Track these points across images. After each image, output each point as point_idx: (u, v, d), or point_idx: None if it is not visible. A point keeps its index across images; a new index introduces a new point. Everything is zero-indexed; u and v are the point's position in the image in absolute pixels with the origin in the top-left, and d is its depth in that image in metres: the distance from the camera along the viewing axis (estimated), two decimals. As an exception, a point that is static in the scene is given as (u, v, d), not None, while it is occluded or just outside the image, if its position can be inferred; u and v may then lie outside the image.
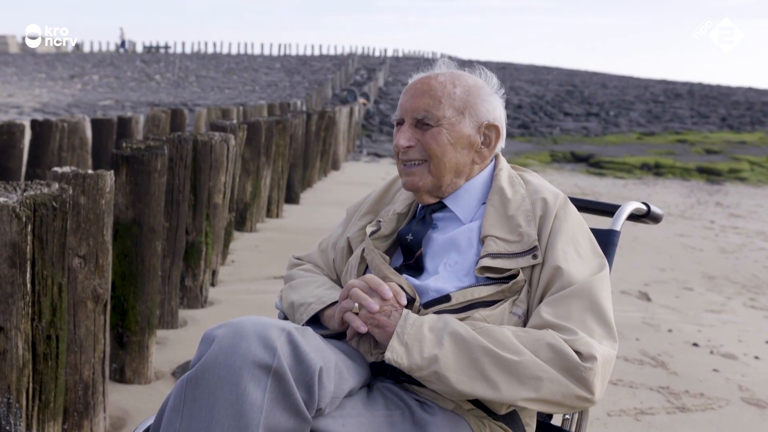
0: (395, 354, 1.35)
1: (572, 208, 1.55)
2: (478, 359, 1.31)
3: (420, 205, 1.64)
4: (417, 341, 1.35)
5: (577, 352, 1.33)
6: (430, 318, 1.39)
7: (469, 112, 1.56)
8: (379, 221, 1.65)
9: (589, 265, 1.46)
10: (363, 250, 1.61)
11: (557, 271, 1.44)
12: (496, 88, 1.63)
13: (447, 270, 1.52)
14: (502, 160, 1.65)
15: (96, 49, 60.71)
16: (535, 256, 1.47)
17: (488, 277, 1.48)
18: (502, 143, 1.62)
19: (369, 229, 1.64)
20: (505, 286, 1.45)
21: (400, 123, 1.59)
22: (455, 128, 1.55)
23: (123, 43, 57.81)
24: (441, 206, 1.61)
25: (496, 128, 1.59)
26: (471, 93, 1.57)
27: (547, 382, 1.31)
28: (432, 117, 1.54)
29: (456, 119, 1.55)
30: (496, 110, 1.60)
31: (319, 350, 1.24)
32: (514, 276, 1.46)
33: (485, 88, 1.60)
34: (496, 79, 1.64)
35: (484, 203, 1.60)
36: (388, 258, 1.58)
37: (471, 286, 1.47)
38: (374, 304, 1.41)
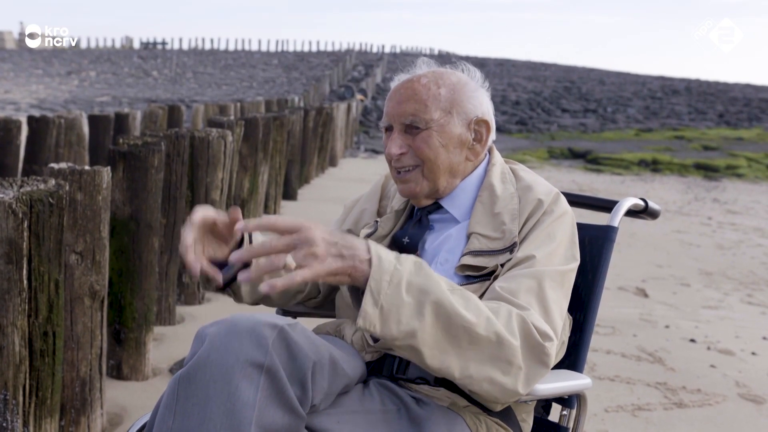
0: (367, 320, 1.19)
1: (563, 206, 1.53)
2: (456, 336, 1.25)
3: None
4: (395, 306, 1.20)
5: (533, 325, 1.31)
6: (406, 270, 1.23)
7: (456, 111, 1.54)
8: (377, 221, 1.64)
9: (554, 260, 1.45)
10: None
11: (523, 257, 1.44)
12: (480, 82, 1.61)
13: (438, 269, 1.51)
14: (496, 155, 1.64)
15: (93, 45, 60.63)
16: (511, 251, 1.46)
17: (468, 275, 1.47)
18: (493, 136, 1.61)
19: (364, 232, 1.63)
20: (487, 283, 1.45)
21: (389, 129, 1.58)
22: (445, 129, 1.53)
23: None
24: (437, 206, 1.60)
25: (486, 122, 1.58)
26: (456, 91, 1.55)
27: (516, 368, 1.29)
28: (420, 120, 1.52)
29: (444, 120, 1.53)
30: (483, 104, 1.58)
31: (312, 346, 1.23)
32: (494, 272, 1.45)
33: (470, 83, 1.58)
34: (479, 73, 1.63)
35: None
36: None
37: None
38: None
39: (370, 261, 1.21)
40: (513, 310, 1.32)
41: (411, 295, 1.21)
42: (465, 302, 1.26)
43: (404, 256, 1.26)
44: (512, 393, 1.31)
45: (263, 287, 1.14)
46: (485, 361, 1.27)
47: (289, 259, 1.17)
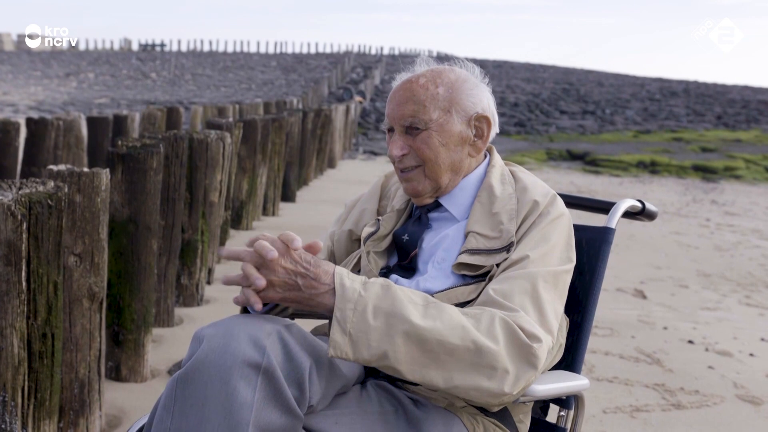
0: (338, 349, 1.23)
1: (559, 208, 1.53)
2: (432, 350, 1.26)
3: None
4: (362, 332, 1.23)
5: (520, 328, 1.31)
6: (372, 295, 1.26)
7: (455, 109, 1.55)
8: (378, 220, 1.65)
9: (549, 261, 1.45)
10: (359, 256, 1.62)
11: (518, 258, 1.44)
12: (480, 78, 1.62)
13: (435, 268, 1.52)
14: (496, 157, 1.65)
15: (92, 47, 60.65)
16: (508, 251, 1.46)
17: (464, 275, 1.48)
18: (496, 129, 1.61)
19: (367, 231, 1.64)
20: (483, 284, 1.45)
21: (391, 130, 1.59)
22: (444, 129, 1.54)
23: None
24: (437, 205, 1.61)
25: (486, 118, 1.59)
26: (454, 89, 1.55)
27: (501, 371, 1.28)
28: (420, 121, 1.53)
29: (444, 119, 1.54)
30: (483, 101, 1.58)
31: (309, 347, 1.24)
32: (489, 272, 1.46)
33: (469, 80, 1.59)
34: (478, 69, 1.63)
35: None
36: (380, 265, 1.58)
37: (454, 287, 1.46)
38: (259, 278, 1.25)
39: (334, 291, 1.25)
40: (497, 314, 1.32)
41: (378, 319, 1.24)
42: (438, 314, 1.27)
43: (372, 280, 1.29)
44: (501, 395, 1.31)
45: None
46: (467, 369, 1.27)
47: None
